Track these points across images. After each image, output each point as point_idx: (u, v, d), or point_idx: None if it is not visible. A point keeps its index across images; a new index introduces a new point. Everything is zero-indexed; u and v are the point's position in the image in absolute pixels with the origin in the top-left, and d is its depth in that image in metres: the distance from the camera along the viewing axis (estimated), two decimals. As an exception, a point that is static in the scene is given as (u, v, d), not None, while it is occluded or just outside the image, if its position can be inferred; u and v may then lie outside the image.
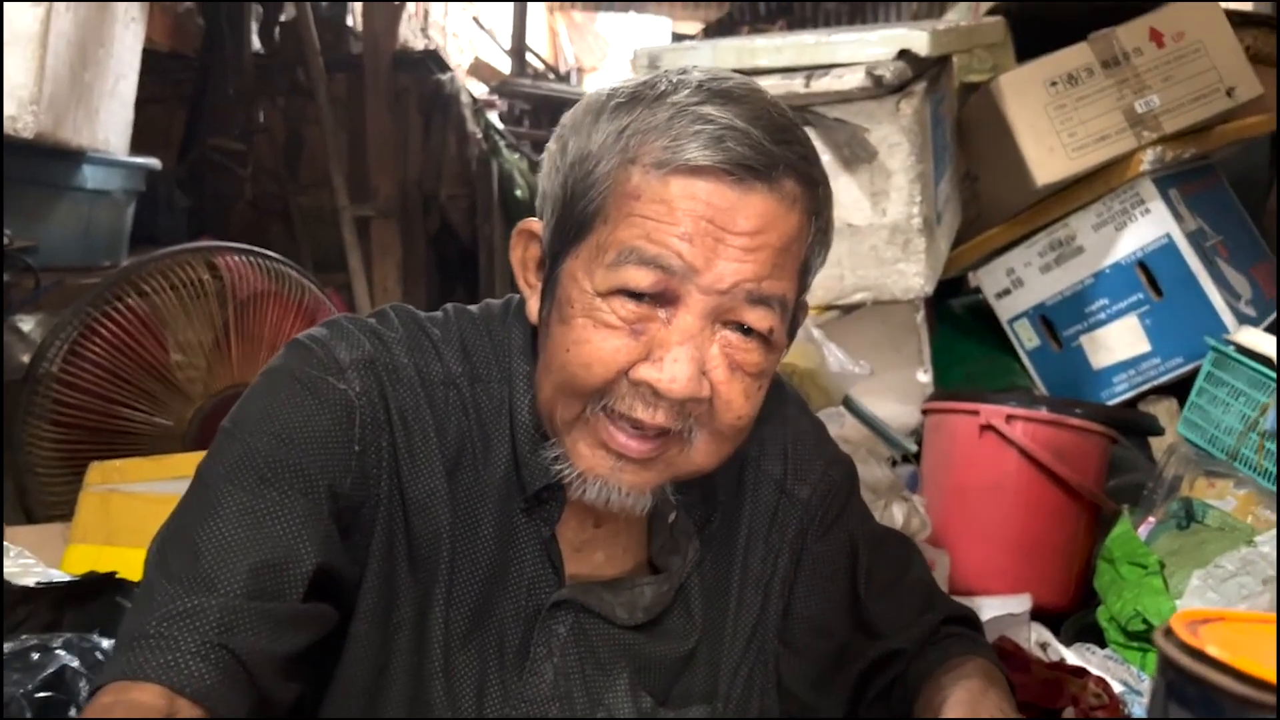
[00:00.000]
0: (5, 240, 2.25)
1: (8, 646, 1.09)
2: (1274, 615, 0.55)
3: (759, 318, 0.85)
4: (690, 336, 0.83)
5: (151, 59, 2.94)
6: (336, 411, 0.86)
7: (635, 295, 0.83)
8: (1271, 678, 0.46)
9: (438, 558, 0.89)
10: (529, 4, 6.49)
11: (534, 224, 0.92)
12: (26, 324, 2.48)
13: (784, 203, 0.85)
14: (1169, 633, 0.52)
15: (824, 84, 2.06)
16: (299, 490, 0.84)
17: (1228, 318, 2.35)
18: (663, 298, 0.84)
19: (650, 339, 0.84)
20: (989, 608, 1.84)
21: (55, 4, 2.16)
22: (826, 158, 1.83)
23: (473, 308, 0.98)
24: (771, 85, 2.10)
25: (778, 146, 0.84)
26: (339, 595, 0.87)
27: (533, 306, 0.92)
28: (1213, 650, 0.48)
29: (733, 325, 0.85)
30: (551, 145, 0.91)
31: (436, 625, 0.89)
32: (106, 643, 1.12)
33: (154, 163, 2.96)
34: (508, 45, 6.43)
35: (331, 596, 0.86)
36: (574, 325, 0.85)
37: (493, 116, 4.80)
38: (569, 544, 0.94)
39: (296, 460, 0.84)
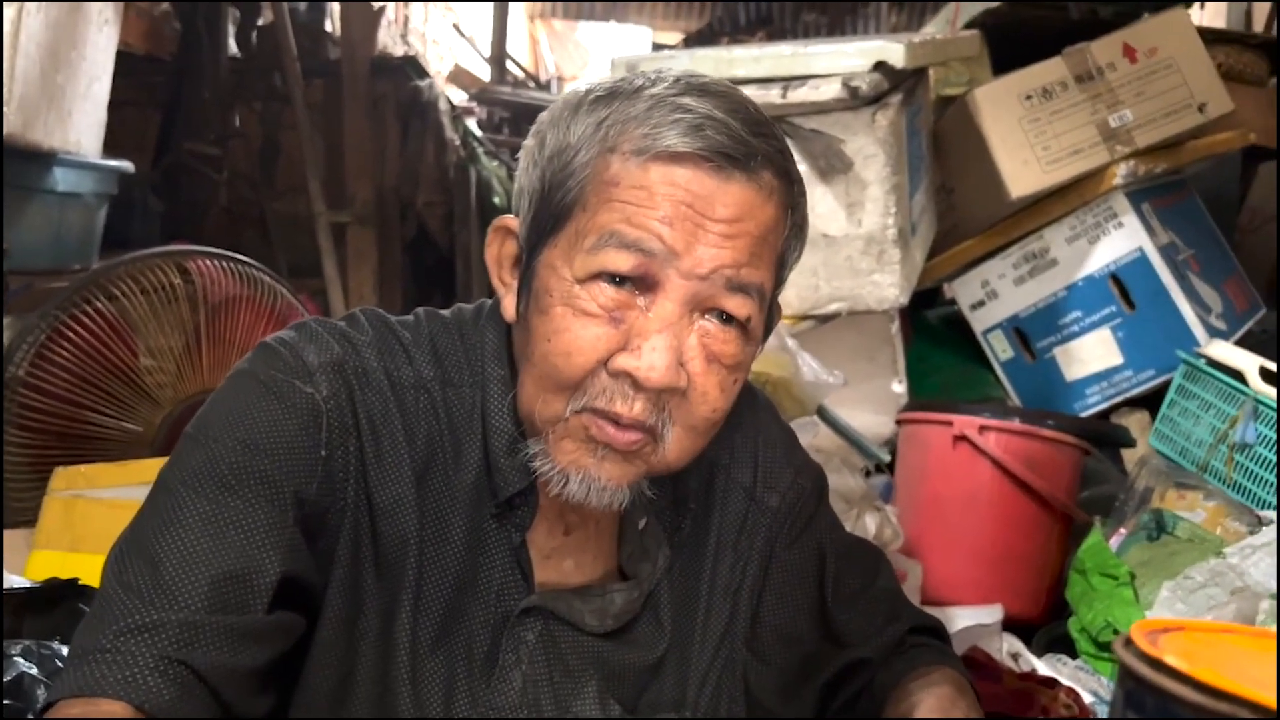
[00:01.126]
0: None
1: (-37, 654, 1.06)
2: (1235, 626, 0.55)
3: (738, 305, 0.85)
4: (669, 324, 0.83)
5: (126, 62, 2.92)
6: (303, 416, 0.85)
7: (615, 281, 0.83)
8: (1228, 686, 0.46)
9: (405, 563, 0.88)
10: (510, 11, 6.49)
11: (510, 220, 0.91)
12: (-6, 327, 2.45)
13: (762, 193, 0.85)
14: (1129, 642, 0.52)
15: (800, 95, 2.06)
16: (264, 498, 0.82)
17: (1199, 331, 2.38)
18: (642, 283, 0.83)
19: (629, 327, 0.83)
20: (961, 618, 1.84)
21: (25, 4, 2.14)
22: (802, 168, 1.83)
23: (444, 312, 0.97)
24: (749, 95, 2.11)
25: (755, 139, 0.84)
26: (306, 603, 0.85)
27: (508, 304, 0.91)
28: (1171, 659, 0.47)
29: (711, 314, 0.85)
30: (529, 141, 0.90)
31: (403, 631, 0.88)
32: (66, 650, 1.10)
33: (127, 166, 2.93)
34: (488, 53, 6.42)
35: (299, 605, 0.84)
36: (553, 315, 0.84)
37: (471, 124, 4.78)
38: (539, 551, 0.93)
39: (261, 467, 0.83)
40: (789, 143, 2.34)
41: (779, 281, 0.90)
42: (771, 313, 0.92)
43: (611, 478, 0.86)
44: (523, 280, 0.89)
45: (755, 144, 0.84)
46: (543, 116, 0.90)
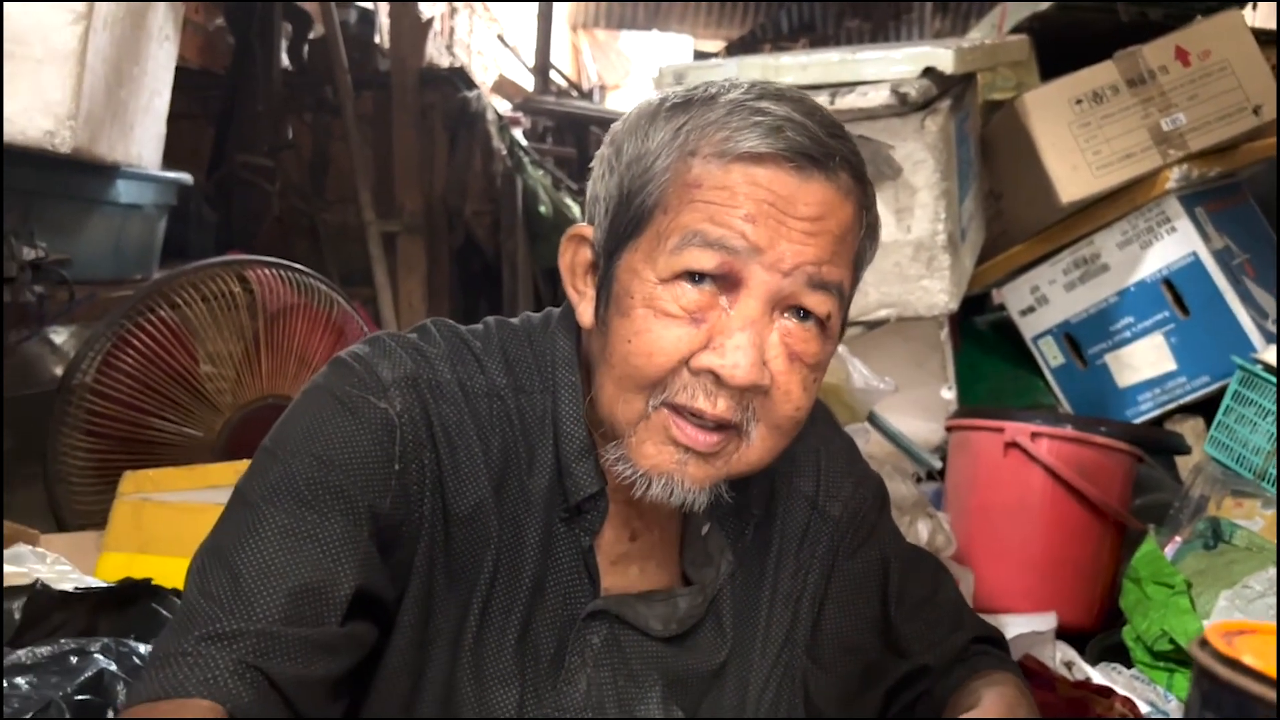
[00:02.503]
0: (40, 253, 2.29)
1: (46, 650, 1.11)
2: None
3: (819, 302, 0.85)
4: (751, 322, 0.84)
5: (182, 75, 2.99)
6: (377, 431, 0.86)
7: (697, 280, 0.84)
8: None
9: (480, 568, 0.90)
10: (553, 21, 6.54)
11: (583, 229, 0.92)
12: (59, 336, 2.52)
13: (840, 192, 0.86)
14: (1204, 643, 0.52)
15: (849, 101, 2.07)
16: (339, 512, 0.84)
17: (1255, 336, 2.34)
18: (724, 281, 0.84)
19: (711, 326, 0.84)
20: (1013, 626, 1.83)
21: (94, 22, 2.20)
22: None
23: (513, 320, 0.99)
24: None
25: (833, 140, 0.86)
26: (379, 614, 0.87)
27: (584, 312, 0.91)
28: (1248, 659, 0.48)
29: (792, 312, 0.86)
30: (604, 150, 0.91)
31: (469, 634, 0.90)
32: (143, 648, 1.13)
33: (185, 178, 3.00)
34: (531, 63, 6.48)
35: (372, 616, 0.86)
36: (634, 317, 0.85)
37: (518, 133, 4.83)
38: (604, 557, 0.94)
39: (336, 482, 0.84)
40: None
41: (855, 281, 0.91)
42: (846, 311, 0.92)
43: (695, 479, 0.87)
44: (601, 286, 0.90)
45: (833, 145, 0.85)
46: (616, 126, 0.91)
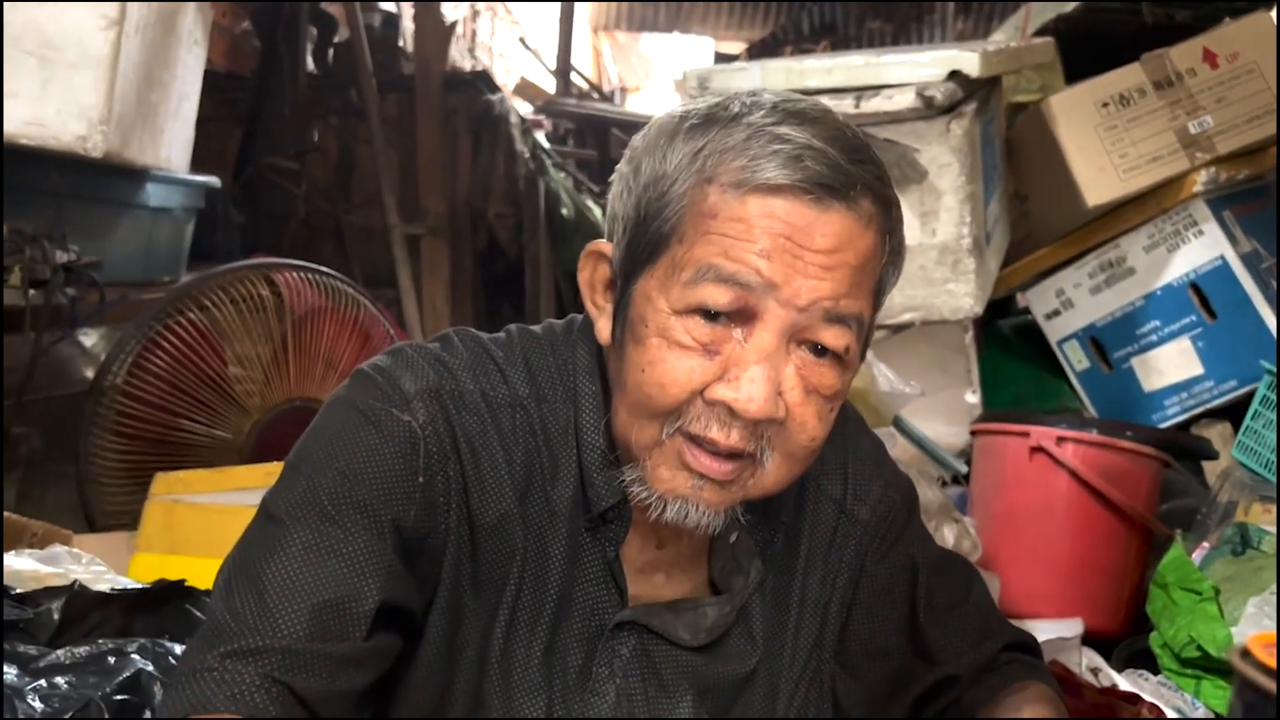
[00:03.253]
0: (72, 256, 2.32)
1: (84, 650, 1.12)
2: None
3: (835, 336, 0.84)
4: (767, 355, 0.83)
5: (209, 79, 3.01)
6: (400, 444, 0.86)
7: (711, 316, 0.83)
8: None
9: (506, 579, 0.90)
10: (574, 24, 6.56)
11: (603, 245, 0.92)
12: (90, 338, 2.55)
13: (861, 221, 0.84)
14: (1246, 654, 0.52)
15: (874, 105, 2.07)
16: (363, 527, 0.84)
17: (1284, 341, 2.33)
18: (739, 315, 0.83)
19: (726, 358, 0.83)
20: (1040, 631, 1.82)
21: (125, 28, 2.23)
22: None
23: (535, 328, 0.98)
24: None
25: (854, 166, 0.84)
26: (404, 626, 0.88)
27: (603, 328, 0.91)
28: (1292, 672, 0.48)
29: (808, 344, 0.85)
30: (623, 167, 0.90)
31: (496, 645, 0.90)
32: (178, 648, 1.15)
33: (214, 181, 3.03)
34: (553, 65, 6.50)
35: (397, 627, 0.87)
36: (648, 345, 0.85)
37: (540, 136, 4.85)
38: (631, 565, 0.94)
39: (360, 496, 0.84)
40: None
41: (876, 307, 0.90)
42: (868, 334, 0.91)
43: (709, 504, 0.87)
44: (618, 306, 0.89)
45: (854, 172, 0.83)
46: (636, 141, 0.90)
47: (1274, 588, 1.70)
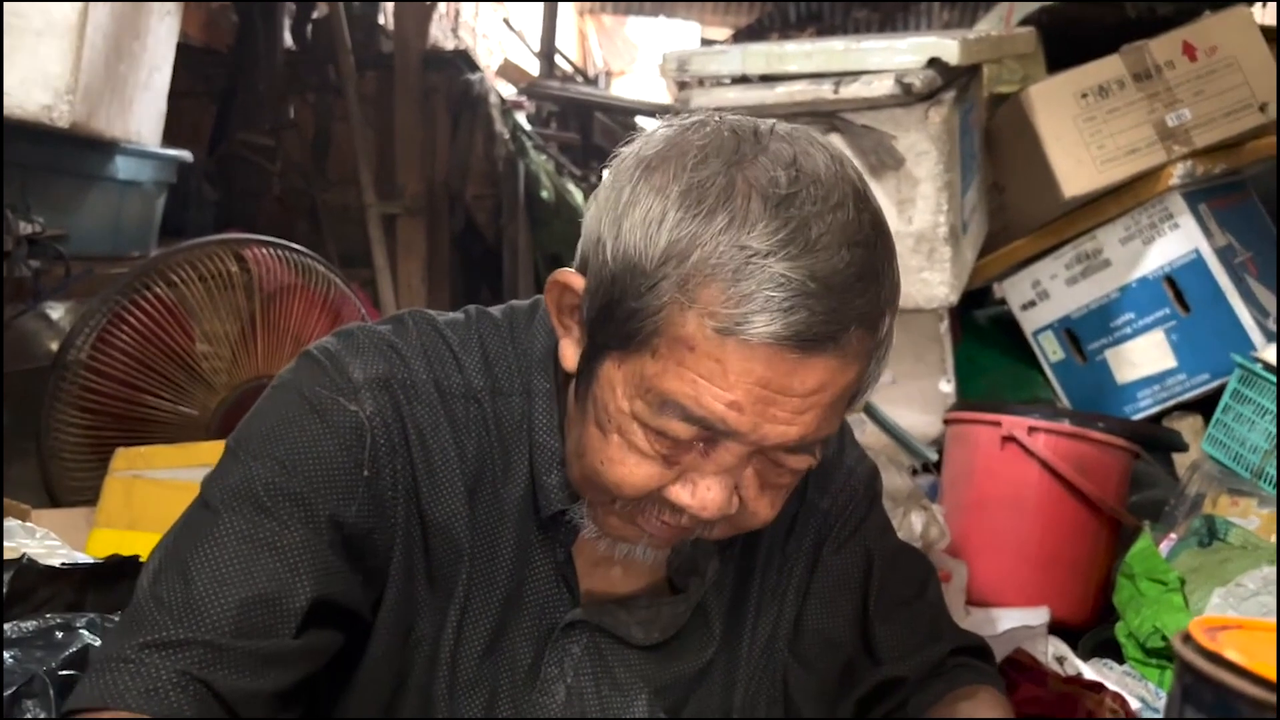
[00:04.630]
0: (36, 228, 2.29)
1: (31, 624, 1.10)
2: (1294, 627, 0.55)
3: (799, 460, 0.82)
4: (727, 469, 0.81)
5: (184, 53, 2.97)
6: (345, 435, 0.83)
7: (673, 437, 0.80)
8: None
9: (456, 577, 0.88)
10: (559, 6, 6.51)
11: (571, 280, 0.83)
12: (56, 312, 2.51)
13: (847, 359, 0.78)
14: (1188, 638, 0.52)
15: (853, 90, 2.06)
16: (299, 520, 0.81)
17: (1255, 335, 2.34)
18: (703, 436, 0.80)
19: (684, 465, 0.81)
20: (1006, 619, 1.83)
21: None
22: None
23: (495, 310, 0.93)
24: (800, 91, 2.11)
25: (857, 298, 0.76)
26: (346, 622, 0.85)
27: (568, 353, 0.85)
28: (1231, 655, 0.47)
29: (770, 457, 0.82)
30: (604, 195, 0.81)
31: (447, 644, 0.88)
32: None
33: (185, 155, 2.99)
34: (537, 48, 6.45)
35: (336, 624, 0.84)
36: (609, 441, 0.81)
37: (521, 118, 4.81)
38: (586, 559, 0.92)
39: (297, 489, 0.81)
40: (840, 139, 2.30)
41: (852, 408, 0.86)
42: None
43: (658, 547, 0.88)
44: (583, 367, 0.84)
45: (852, 310, 0.76)
46: (621, 174, 0.80)
47: (1239, 579, 1.71)
